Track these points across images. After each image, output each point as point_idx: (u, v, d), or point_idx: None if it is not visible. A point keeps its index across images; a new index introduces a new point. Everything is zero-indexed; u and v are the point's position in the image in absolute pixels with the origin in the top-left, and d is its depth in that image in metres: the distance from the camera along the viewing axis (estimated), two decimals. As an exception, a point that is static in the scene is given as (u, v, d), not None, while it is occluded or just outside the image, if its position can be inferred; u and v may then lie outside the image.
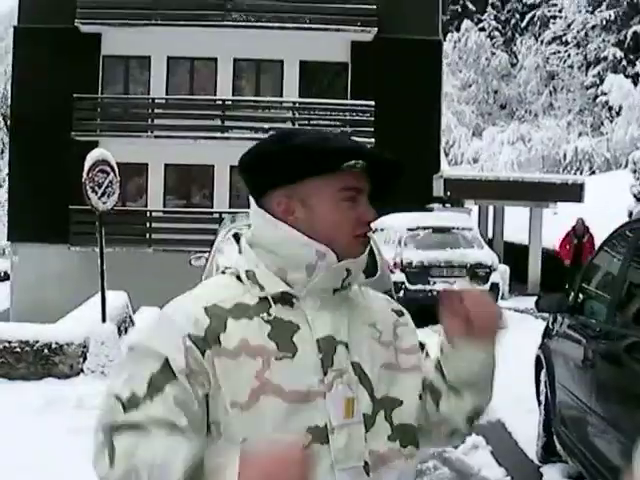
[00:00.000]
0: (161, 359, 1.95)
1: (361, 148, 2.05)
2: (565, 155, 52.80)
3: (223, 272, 2.13)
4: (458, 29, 64.53)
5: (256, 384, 1.95)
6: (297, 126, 30.25)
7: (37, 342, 11.67)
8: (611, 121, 52.59)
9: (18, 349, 11.60)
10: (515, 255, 28.17)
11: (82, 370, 11.69)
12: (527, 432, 8.82)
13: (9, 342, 11.62)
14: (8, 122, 39.88)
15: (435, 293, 18.28)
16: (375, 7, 29.89)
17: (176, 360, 1.94)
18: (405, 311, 2.29)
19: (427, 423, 2.19)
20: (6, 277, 40.59)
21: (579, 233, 22.97)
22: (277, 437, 1.87)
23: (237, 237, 2.16)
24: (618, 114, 50.72)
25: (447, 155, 54.86)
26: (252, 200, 2.11)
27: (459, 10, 67.00)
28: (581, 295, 7.41)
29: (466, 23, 64.56)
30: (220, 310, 2.00)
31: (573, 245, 22.91)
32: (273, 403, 1.96)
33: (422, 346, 2.27)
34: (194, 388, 1.95)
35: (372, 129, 29.81)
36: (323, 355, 2.01)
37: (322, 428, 1.98)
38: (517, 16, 68.04)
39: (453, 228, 19.92)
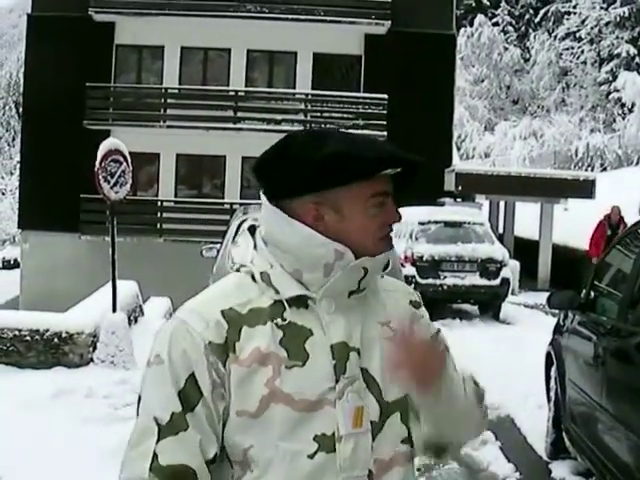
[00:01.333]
0: (187, 374, 1.95)
1: (396, 155, 2.02)
2: (577, 151, 52.66)
3: (238, 270, 2.09)
4: (472, 24, 64.45)
5: (266, 392, 1.94)
6: (309, 118, 30.26)
7: (47, 331, 11.68)
8: (623, 118, 52.46)
9: (28, 337, 11.61)
10: (525, 250, 28.13)
11: (92, 359, 11.70)
12: (536, 428, 8.82)
13: (19, 330, 11.63)
14: (20, 110, 39.91)
15: (446, 287, 18.30)
16: (389, 0, 29.86)
17: (202, 375, 1.94)
18: (421, 303, 2.26)
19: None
20: (16, 265, 40.73)
21: (614, 222, 20.74)
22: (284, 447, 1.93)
23: (252, 230, 2.14)
24: (630, 111, 50.60)
25: (459, 149, 54.79)
26: (264, 198, 2.07)
27: (473, 4, 66.89)
28: (593, 292, 7.40)
29: (479, 18, 64.46)
30: (236, 315, 1.98)
31: (606, 237, 20.13)
32: (282, 411, 1.95)
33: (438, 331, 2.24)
34: (215, 402, 1.95)
35: (384, 122, 29.82)
36: (337, 362, 1.99)
37: (329, 437, 1.97)
38: (531, 11, 67.93)
39: (464, 223, 19.87)
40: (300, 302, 2.01)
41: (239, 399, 1.95)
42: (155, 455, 1.91)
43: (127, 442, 1.98)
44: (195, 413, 1.93)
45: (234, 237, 11.30)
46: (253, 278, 2.04)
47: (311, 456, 1.95)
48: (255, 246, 2.08)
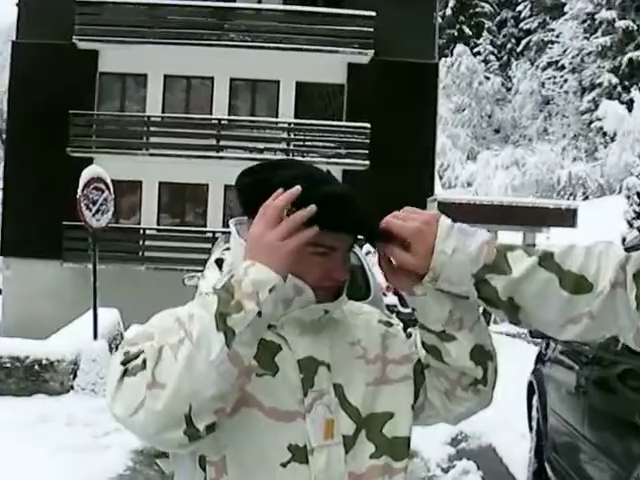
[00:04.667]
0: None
1: (346, 217, 1.97)
2: (559, 180, 52.97)
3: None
4: (452, 53, 64.80)
5: (239, 394, 1.92)
6: (292, 147, 30.31)
7: (27, 358, 11.63)
8: (605, 147, 52.81)
9: (8, 364, 11.55)
10: (508, 279, 28.12)
11: (72, 387, 11.65)
12: (518, 458, 8.81)
13: None
14: (3, 136, 39.88)
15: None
16: (372, 29, 29.99)
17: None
18: (395, 321, 2.26)
19: (449, 385, 2.17)
20: (-2, 292, 40.51)
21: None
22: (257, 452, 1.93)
23: (220, 262, 2.15)
24: (612, 140, 50.93)
25: (441, 178, 54.98)
26: (233, 230, 2.09)
27: (455, 34, 67.29)
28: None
29: (458, 48, 64.81)
30: None
31: None
32: (254, 415, 1.96)
33: (409, 335, 2.24)
34: None
35: (367, 151, 29.90)
36: (304, 376, 2.01)
37: (302, 448, 1.98)
38: (513, 41, 68.45)
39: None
40: None
41: None
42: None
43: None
44: None
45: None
46: None
47: (284, 465, 1.96)
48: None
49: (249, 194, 2.01)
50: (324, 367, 2.04)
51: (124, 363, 1.82)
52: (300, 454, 1.98)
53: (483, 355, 2.15)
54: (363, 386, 2.09)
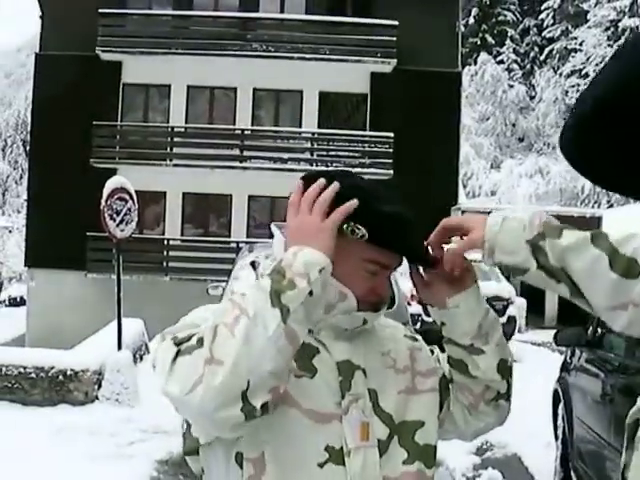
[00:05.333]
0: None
1: (406, 240, 2.05)
2: (583, 188, 52.71)
3: None
4: (476, 62, 64.71)
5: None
6: (315, 157, 30.31)
7: (52, 368, 11.67)
8: (629, 155, 52.57)
9: (33, 375, 11.59)
10: (532, 288, 28.00)
11: (97, 397, 11.67)
12: (544, 467, 8.76)
13: (24, 367, 11.62)
14: (27, 148, 40.08)
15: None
16: (395, 39, 29.96)
17: None
18: (418, 337, 2.31)
19: (473, 399, 2.24)
20: (22, 302, 40.72)
21: None
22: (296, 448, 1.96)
23: (254, 265, 2.17)
24: (637, 148, 50.68)
25: (465, 187, 54.85)
26: (277, 232, 2.13)
27: (478, 42, 67.19)
28: (600, 329, 7.36)
29: (482, 56, 64.72)
30: None
31: None
32: (293, 415, 1.98)
33: (432, 352, 2.31)
34: None
35: (390, 160, 29.86)
36: (342, 378, 2.04)
37: (338, 450, 2.00)
38: (536, 49, 68.23)
39: (470, 261, 19.86)
40: None
41: None
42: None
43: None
44: None
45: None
46: None
47: (321, 465, 1.98)
48: (257, 279, 2.09)
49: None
50: (360, 371, 2.07)
51: (177, 344, 1.84)
52: (337, 455, 2.00)
53: (507, 370, 2.23)
54: (395, 394, 2.12)
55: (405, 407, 2.13)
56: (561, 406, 8.01)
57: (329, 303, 2.01)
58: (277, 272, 1.82)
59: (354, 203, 1.94)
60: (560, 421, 8.06)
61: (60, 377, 11.63)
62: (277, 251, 2.11)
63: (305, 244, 1.87)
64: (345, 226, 1.97)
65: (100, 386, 11.73)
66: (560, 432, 8.05)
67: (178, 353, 1.82)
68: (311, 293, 1.82)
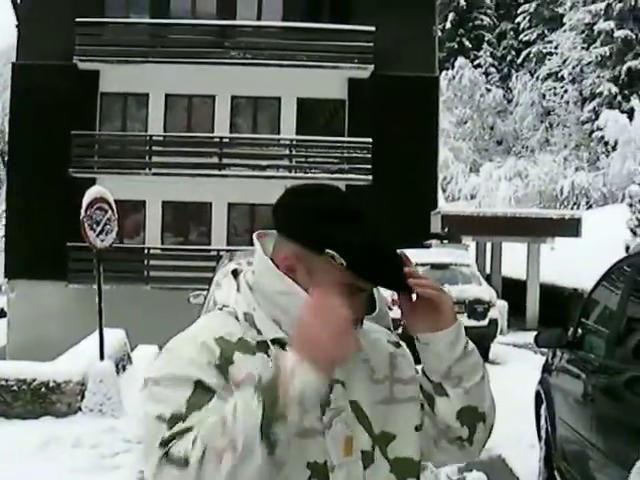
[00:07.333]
0: (193, 382, 1.93)
1: (384, 273, 2.03)
2: (562, 190, 52.90)
3: (220, 309, 2.12)
4: (453, 66, 64.88)
5: None
6: (294, 163, 30.33)
7: (34, 380, 11.61)
8: (607, 156, 52.75)
9: (15, 387, 11.53)
10: (513, 290, 28.15)
11: (80, 409, 11.62)
12: (528, 468, 8.78)
13: (6, 380, 11.56)
14: (5, 158, 39.93)
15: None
16: (372, 44, 30.02)
17: (210, 378, 1.94)
18: (402, 343, 2.29)
19: (436, 433, 2.20)
20: (3, 314, 40.52)
21: None
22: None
23: (235, 273, 2.16)
24: (614, 149, 50.88)
25: (444, 191, 54.96)
26: (258, 246, 2.11)
27: (455, 47, 67.39)
28: (580, 330, 7.40)
29: (460, 60, 64.90)
30: (227, 343, 2.01)
31: None
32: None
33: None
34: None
35: (369, 166, 29.91)
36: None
37: (322, 465, 1.99)
38: (513, 53, 68.50)
39: (451, 264, 19.92)
40: (281, 344, 2.02)
41: None
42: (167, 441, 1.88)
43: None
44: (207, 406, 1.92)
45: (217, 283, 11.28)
46: (236, 318, 2.07)
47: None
48: (238, 289, 2.11)
49: (297, 216, 2.03)
50: (339, 385, 2.05)
51: (164, 443, 1.86)
52: (320, 471, 1.99)
53: (473, 417, 2.17)
54: (373, 404, 2.11)
55: (384, 418, 2.11)
56: (543, 407, 8.03)
57: None
58: (270, 390, 1.81)
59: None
60: (543, 422, 8.08)
61: (42, 389, 11.58)
62: (258, 269, 2.10)
63: (309, 358, 1.83)
64: (325, 253, 1.97)
65: (83, 397, 11.68)
66: (543, 433, 8.07)
67: (166, 455, 1.84)
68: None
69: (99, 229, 12.21)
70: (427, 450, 2.21)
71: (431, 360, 2.13)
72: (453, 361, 2.11)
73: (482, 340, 18.64)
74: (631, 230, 28.00)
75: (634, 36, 56.37)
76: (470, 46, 67.75)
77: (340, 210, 2.03)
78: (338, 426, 2.02)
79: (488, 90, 65.29)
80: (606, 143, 52.38)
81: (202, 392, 1.92)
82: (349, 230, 1.98)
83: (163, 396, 1.93)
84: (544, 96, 61.97)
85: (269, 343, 2.03)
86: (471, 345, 2.17)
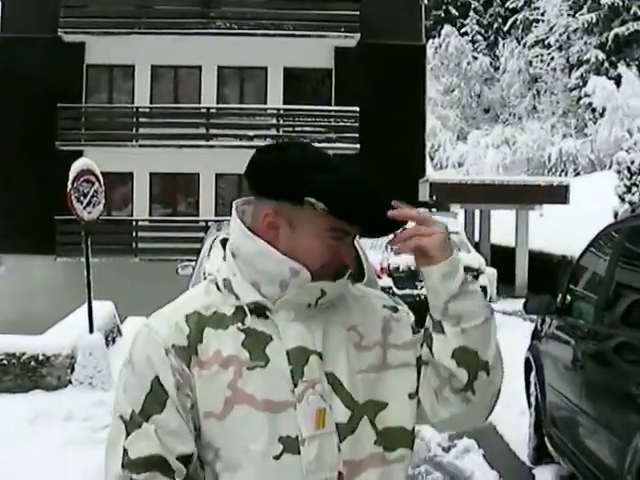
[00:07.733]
0: (152, 377, 1.98)
1: (370, 212, 2.00)
2: (550, 157, 52.97)
3: (205, 278, 2.15)
4: (440, 34, 64.74)
5: (229, 393, 1.97)
6: (281, 132, 30.27)
7: (24, 354, 11.59)
8: (595, 122, 52.78)
9: (5, 361, 11.52)
10: (502, 258, 28.20)
11: (70, 381, 11.61)
12: (519, 434, 8.82)
13: (-4, 354, 11.55)
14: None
15: (423, 297, 18.26)
16: (358, 13, 29.93)
17: (166, 377, 1.98)
18: (402, 307, 2.25)
19: (438, 382, 2.12)
20: (-8, 289, 40.45)
21: None
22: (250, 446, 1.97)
23: (224, 242, 2.15)
24: (602, 115, 50.90)
25: (432, 159, 54.99)
26: (234, 212, 2.10)
27: (442, 15, 67.20)
28: (569, 296, 7.41)
29: (446, 28, 64.80)
30: (199, 318, 2.02)
31: None
32: (247, 412, 1.97)
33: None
34: (182, 400, 1.98)
35: (357, 135, 29.88)
36: (293, 366, 2.00)
37: (293, 439, 1.98)
38: (499, 20, 68.31)
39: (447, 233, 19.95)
40: (259, 310, 2.03)
41: (204, 401, 1.99)
42: (125, 451, 1.96)
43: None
44: (162, 411, 1.97)
45: (208, 253, 11.25)
46: (218, 287, 2.08)
47: (277, 457, 1.97)
48: (224, 257, 2.11)
49: (270, 172, 2.02)
50: (315, 356, 2.02)
51: (125, 465, 1.98)
52: (292, 445, 1.98)
53: (471, 360, 2.08)
54: (356, 373, 2.07)
55: (373, 386, 2.08)
56: (533, 374, 8.06)
57: (282, 280, 2.00)
58: None
59: None
60: (532, 389, 8.11)
61: (32, 363, 11.56)
62: (234, 235, 2.09)
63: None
64: (304, 202, 1.96)
65: (73, 370, 11.66)
66: (533, 399, 8.10)
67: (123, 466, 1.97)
68: None
69: (86, 201, 12.16)
70: (430, 407, 2.14)
71: (430, 295, 2.08)
72: (449, 296, 2.03)
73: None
74: (619, 197, 28.02)
75: (621, 2, 56.26)
76: (457, 14, 67.60)
77: (312, 159, 2.03)
78: (310, 398, 2.00)
79: (475, 58, 65.23)
80: (594, 110, 52.40)
81: (158, 391, 1.98)
82: (325, 176, 1.98)
83: (128, 385, 2.03)
84: (531, 63, 61.91)
85: (246, 309, 2.02)
86: (474, 287, 2.07)
